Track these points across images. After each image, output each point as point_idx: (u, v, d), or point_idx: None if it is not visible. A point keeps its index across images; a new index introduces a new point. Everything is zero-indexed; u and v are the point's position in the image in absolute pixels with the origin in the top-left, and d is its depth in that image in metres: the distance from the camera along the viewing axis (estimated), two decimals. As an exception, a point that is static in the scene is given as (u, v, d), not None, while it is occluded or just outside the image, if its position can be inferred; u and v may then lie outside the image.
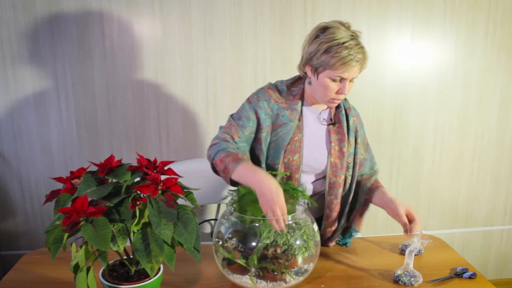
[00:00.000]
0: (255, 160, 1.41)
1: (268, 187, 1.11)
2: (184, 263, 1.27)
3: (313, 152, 1.39)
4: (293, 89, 1.41)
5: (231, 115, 1.41)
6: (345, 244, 1.45)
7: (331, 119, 1.43)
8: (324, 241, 1.44)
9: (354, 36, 1.28)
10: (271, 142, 1.37)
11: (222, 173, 1.23)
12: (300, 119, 1.38)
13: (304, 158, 1.37)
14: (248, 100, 1.40)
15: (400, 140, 2.28)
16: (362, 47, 1.28)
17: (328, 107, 1.43)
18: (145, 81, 2.05)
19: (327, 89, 1.30)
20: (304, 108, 1.41)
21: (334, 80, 1.28)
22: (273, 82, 1.46)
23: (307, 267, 1.16)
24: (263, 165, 1.38)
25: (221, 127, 1.39)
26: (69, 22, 1.95)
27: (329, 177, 1.39)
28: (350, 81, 1.30)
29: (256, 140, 1.39)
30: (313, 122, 1.42)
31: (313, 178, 1.44)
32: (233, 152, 1.24)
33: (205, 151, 2.13)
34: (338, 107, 1.44)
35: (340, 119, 1.42)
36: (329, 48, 1.25)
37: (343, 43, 1.24)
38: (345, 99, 1.48)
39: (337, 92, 1.31)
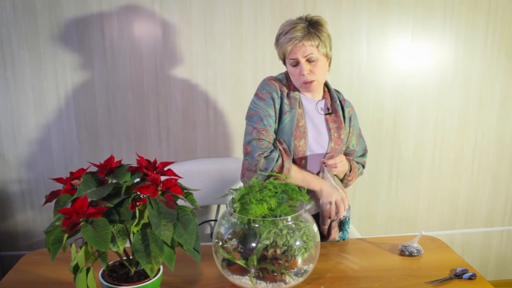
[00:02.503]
0: None
1: (321, 187, 1.40)
2: (183, 264, 1.27)
3: (316, 138, 1.45)
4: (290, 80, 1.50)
5: (249, 119, 1.44)
6: (342, 238, 1.49)
7: (328, 109, 1.50)
8: (328, 232, 1.46)
9: (300, 22, 1.38)
10: (279, 129, 1.43)
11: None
12: (301, 106, 1.46)
13: (309, 143, 1.44)
14: (260, 98, 1.44)
15: (400, 140, 2.28)
16: (304, 27, 1.37)
17: (323, 98, 1.51)
18: (145, 81, 2.04)
19: (293, 75, 1.44)
20: (302, 98, 1.48)
21: (293, 66, 1.41)
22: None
23: (307, 268, 1.16)
24: None
25: (248, 134, 1.42)
26: (69, 22, 1.95)
27: None
28: (310, 61, 1.38)
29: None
30: (312, 111, 1.48)
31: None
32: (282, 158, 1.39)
33: (205, 152, 2.14)
34: (332, 98, 1.51)
35: (336, 109, 1.49)
36: (277, 40, 1.43)
37: (286, 32, 1.38)
38: (339, 92, 1.56)
39: (299, 75, 1.40)
